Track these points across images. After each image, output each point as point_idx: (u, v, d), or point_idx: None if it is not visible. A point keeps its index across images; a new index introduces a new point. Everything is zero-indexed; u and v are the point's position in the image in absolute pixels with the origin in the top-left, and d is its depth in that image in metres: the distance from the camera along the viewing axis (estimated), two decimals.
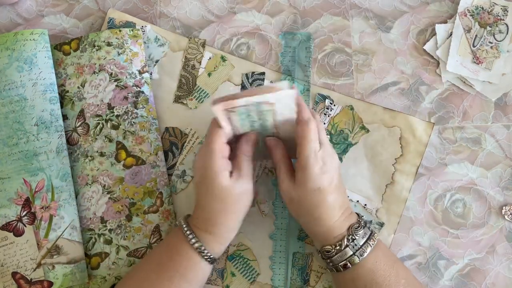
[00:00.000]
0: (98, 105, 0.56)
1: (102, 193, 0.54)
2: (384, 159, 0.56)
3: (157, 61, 0.59)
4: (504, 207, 0.55)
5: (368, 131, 0.57)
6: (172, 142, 0.57)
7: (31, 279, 0.51)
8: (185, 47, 0.59)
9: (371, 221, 0.55)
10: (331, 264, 0.47)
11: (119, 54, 0.56)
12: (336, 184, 0.46)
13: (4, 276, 0.51)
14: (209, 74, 0.59)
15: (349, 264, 0.46)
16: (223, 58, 0.59)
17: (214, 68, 0.59)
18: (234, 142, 0.49)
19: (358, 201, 0.55)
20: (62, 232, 0.52)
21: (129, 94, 0.56)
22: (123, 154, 0.55)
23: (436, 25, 0.59)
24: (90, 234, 0.54)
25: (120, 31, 0.57)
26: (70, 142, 0.55)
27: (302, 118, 0.46)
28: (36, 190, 0.53)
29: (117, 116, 0.55)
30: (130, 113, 0.56)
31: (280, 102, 0.44)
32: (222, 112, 0.44)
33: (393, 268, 0.46)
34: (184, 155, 0.57)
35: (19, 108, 0.54)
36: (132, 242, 0.54)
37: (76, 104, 0.56)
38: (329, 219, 0.46)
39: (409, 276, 0.48)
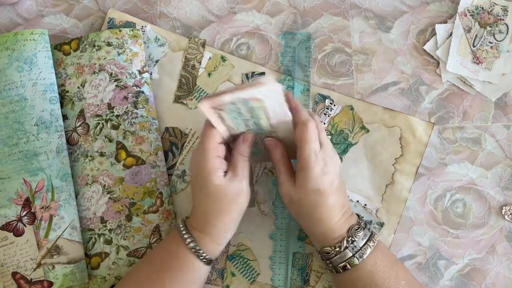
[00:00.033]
0: (98, 105, 0.56)
1: (102, 193, 0.54)
2: (384, 159, 0.56)
3: (157, 61, 0.59)
4: (504, 207, 0.55)
5: (368, 131, 0.57)
6: (172, 142, 0.57)
7: (31, 279, 0.51)
8: (185, 47, 0.59)
9: (371, 221, 0.55)
10: (330, 265, 0.47)
11: (119, 54, 0.56)
12: (337, 185, 0.46)
13: (4, 276, 0.51)
14: (209, 74, 0.58)
15: (348, 265, 0.46)
16: (223, 58, 0.59)
17: (214, 68, 0.59)
18: (232, 142, 0.49)
19: (358, 201, 0.55)
20: (62, 232, 0.52)
21: (129, 94, 0.56)
22: (123, 154, 0.55)
23: (436, 25, 0.59)
24: (90, 234, 0.54)
25: (120, 31, 0.57)
26: (70, 142, 0.55)
27: (299, 120, 0.46)
28: (36, 190, 0.53)
29: (117, 116, 0.55)
30: (130, 113, 0.56)
31: (269, 98, 0.44)
32: (211, 111, 0.44)
33: (392, 270, 0.46)
34: (184, 155, 0.57)
35: (19, 108, 0.54)
36: (132, 242, 0.54)
37: (76, 104, 0.56)
38: (329, 220, 0.46)
39: (409, 277, 0.47)
